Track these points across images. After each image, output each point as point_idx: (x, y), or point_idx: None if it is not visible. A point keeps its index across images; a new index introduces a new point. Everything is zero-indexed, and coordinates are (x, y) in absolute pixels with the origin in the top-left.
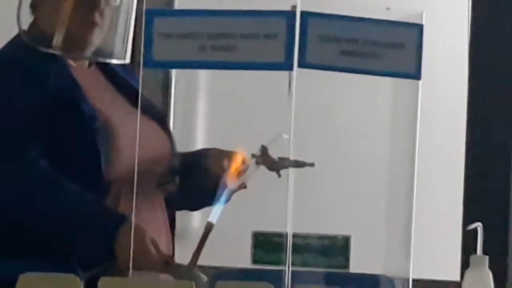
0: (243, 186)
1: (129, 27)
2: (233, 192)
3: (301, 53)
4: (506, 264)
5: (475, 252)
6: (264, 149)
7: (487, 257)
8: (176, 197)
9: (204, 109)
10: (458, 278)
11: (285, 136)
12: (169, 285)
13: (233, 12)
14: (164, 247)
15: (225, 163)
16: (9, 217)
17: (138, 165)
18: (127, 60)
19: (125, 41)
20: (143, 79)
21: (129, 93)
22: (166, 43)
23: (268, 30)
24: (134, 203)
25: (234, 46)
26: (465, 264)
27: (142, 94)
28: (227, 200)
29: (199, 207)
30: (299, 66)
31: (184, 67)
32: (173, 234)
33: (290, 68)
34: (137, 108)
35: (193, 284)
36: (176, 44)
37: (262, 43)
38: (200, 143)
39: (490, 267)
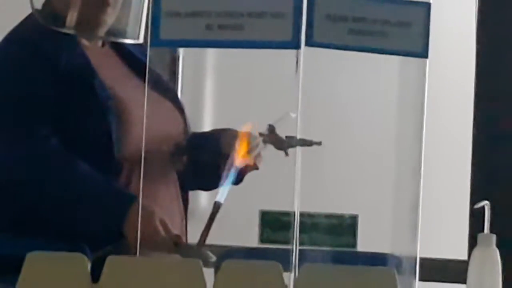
0: (255, 167)
1: (142, 6)
2: (245, 173)
3: (308, 32)
4: None
5: (483, 230)
6: (271, 128)
7: (494, 236)
8: (190, 177)
9: (211, 88)
10: (465, 257)
11: (293, 115)
12: (176, 264)
13: None
14: (177, 226)
15: (238, 143)
16: (19, 195)
17: (152, 144)
18: (141, 40)
19: (138, 21)
20: (154, 58)
21: (143, 73)
22: (174, 22)
23: (275, 9)
24: (141, 183)
25: (242, 25)
26: (472, 243)
27: (156, 73)
28: (239, 181)
29: (213, 188)
30: (307, 44)
31: (191, 46)
32: (186, 214)
33: (297, 46)
34: (151, 87)
35: (200, 262)
36: (183, 22)
37: (270, 22)
38: (208, 122)
39: (498, 246)
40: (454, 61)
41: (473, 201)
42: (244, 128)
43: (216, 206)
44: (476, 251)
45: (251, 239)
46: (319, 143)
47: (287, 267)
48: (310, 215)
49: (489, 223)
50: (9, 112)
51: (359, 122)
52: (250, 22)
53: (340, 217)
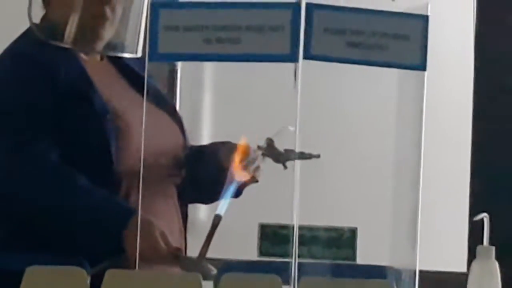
0: (254, 180)
1: (140, 20)
2: (244, 186)
3: (306, 45)
4: None
5: (482, 243)
6: (270, 141)
7: (493, 248)
8: (189, 190)
9: (209, 101)
10: (464, 269)
11: (291, 128)
12: (176, 277)
13: (239, 4)
14: (176, 240)
15: (237, 157)
16: (17, 209)
17: (151, 157)
18: (139, 54)
19: (136, 35)
20: (152, 72)
21: (141, 86)
22: (172, 36)
23: (273, 22)
24: (140, 195)
25: (240, 38)
26: (471, 255)
27: (154, 87)
28: (239, 194)
29: (212, 201)
30: (305, 58)
31: (189, 60)
32: (185, 227)
33: (295, 60)
34: (149, 101)
35: (200, 276)
36: (181, 36)
37: (268, 35)
38: (206, 136)
39: (497, 258)
40: (453, 73)
41: (472, 214)
42: (241, 142)
43: (216, 219)
44: (475, 264)
45: (251, 252)
46: (318, 156)
47: (286, 280)
48: (309, 228)
49: (488, 236)
50: (7, 126)
51: (358, 135)
52: (248, 35)
53: (339, 230)
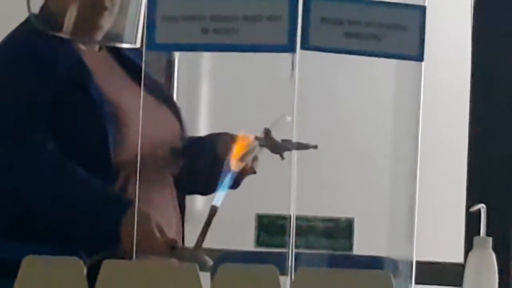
0: (252, 171)
1: (139, 11)
2: (242, 177)
3: (304, 35)
4: (510, 246)
5: (479, 233)
6: (267, 132)
7: (490, 239)
8: (186, 182)
9: (207, 92)
10: (461, 260)
11: (288, 119)
12: (173, 268)
13: None
14: (173, 231)
15: (235, 147)
16: (15, 200)
17: (148, 148)
18: (137, 44)
19: (135, 25)
20: (150, 62)
21: (139, 77)
22: (169, 26)
23: (271, 12)
24: (137, 187)
25: (237, 29)
26: (468, 246)
27: (152, 77)
28: (237, 186)
29: (209, 192)
30: (302, 48)
31: (187, 50)
32: (183, 218)
33: (293, 50)
34: (147, 92)
35: (197, 266)
36: (179, 26)
37: (265, 25)
38: (203, 126)
39: (494, 249)
40: (450, 64)
41: (469, 204)
42: (239, 133)
43: (213, 210)
44: (472, 254)
45: (247, 242)
46: (315, 147)
47: (283, 271)
48: (306, 219)
49: (485, 226)
50: (5, 117)
51: (355, 125)
52: (246, 25)
53: (336, 220)
